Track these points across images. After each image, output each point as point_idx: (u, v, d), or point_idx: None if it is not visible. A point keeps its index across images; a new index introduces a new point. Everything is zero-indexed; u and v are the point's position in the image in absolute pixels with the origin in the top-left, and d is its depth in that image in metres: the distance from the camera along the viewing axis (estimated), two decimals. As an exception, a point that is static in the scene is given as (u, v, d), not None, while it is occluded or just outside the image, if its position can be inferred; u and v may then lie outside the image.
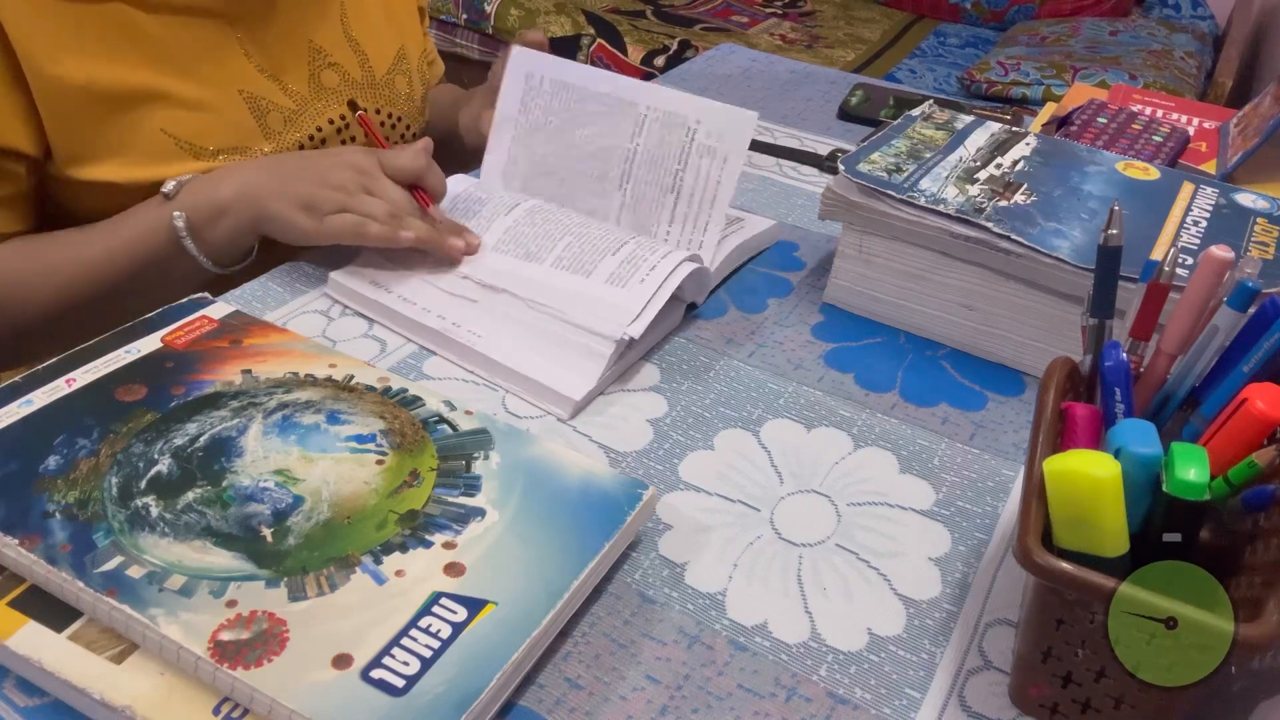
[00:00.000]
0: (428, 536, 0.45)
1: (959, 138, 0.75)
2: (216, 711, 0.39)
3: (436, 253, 0.67)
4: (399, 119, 0.86)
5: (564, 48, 2.29)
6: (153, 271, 0.69)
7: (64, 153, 0.67)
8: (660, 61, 2.18)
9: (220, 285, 0.68)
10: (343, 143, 0.81)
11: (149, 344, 0.55)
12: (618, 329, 0.60)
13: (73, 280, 0.68)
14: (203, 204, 0.67)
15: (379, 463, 0.49)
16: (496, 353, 0.62)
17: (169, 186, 0.68)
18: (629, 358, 0.64)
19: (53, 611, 0.42)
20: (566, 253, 0.66)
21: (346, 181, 0.67)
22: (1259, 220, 0.67)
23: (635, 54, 2.21)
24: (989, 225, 0.63)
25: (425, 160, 0.70)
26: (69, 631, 0.41)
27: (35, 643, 0.40)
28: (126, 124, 0.68)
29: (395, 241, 0.66)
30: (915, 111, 0.79)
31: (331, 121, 0.79)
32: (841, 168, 0.68)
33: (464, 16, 2.45)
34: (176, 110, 0.70)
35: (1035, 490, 0.41)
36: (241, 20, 0.73)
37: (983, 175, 0.69)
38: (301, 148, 0.77)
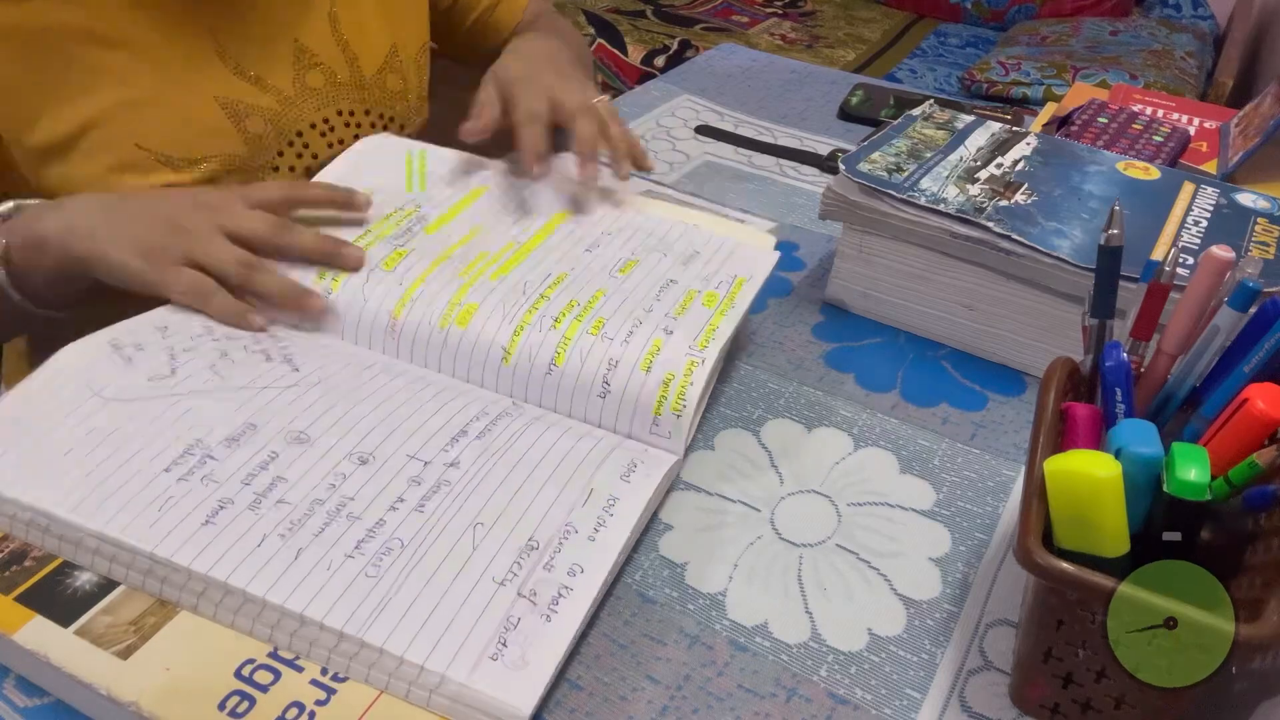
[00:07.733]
0: None
1: (959, 137, 0.75)
2: (221, 706, 0.39)
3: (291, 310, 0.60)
4: (390, 119, 0.84)
5: (564, 48, 2.28)
6: None
7: (36, 181, 0.66)
8: (660, 61, 2.18)
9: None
10: (329, 146, 0.79)
11: None
12: None
13: None
14: (20, 236, 0.59)
15: None
16: None
17: (4, 207, 0.61)
18: None
19: (59, 606, 0.42)
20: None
21: (197, 224, 0.58)
22: (1259, 220, 0.67)
23: (635, 54, 2.21)
24: (989, 225, 0.63)
25: (294, 190, 0.64)
26: (75, 626, 0.41)
27: (42, 637, 0.40)
28: (99, 143, 0.66)
29: (243, 324, 0.58)
30: (916, 111, 0.79)
31: (314, 126, 0.77)
32: (842, 167, 0.68)
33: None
34: (150, 122, 0.68)
35: (1036, 490, 0.41)
36: (220, 23, 0.71)
37: (983, 175, 0.69)
38: (281, 154, 0.76)
